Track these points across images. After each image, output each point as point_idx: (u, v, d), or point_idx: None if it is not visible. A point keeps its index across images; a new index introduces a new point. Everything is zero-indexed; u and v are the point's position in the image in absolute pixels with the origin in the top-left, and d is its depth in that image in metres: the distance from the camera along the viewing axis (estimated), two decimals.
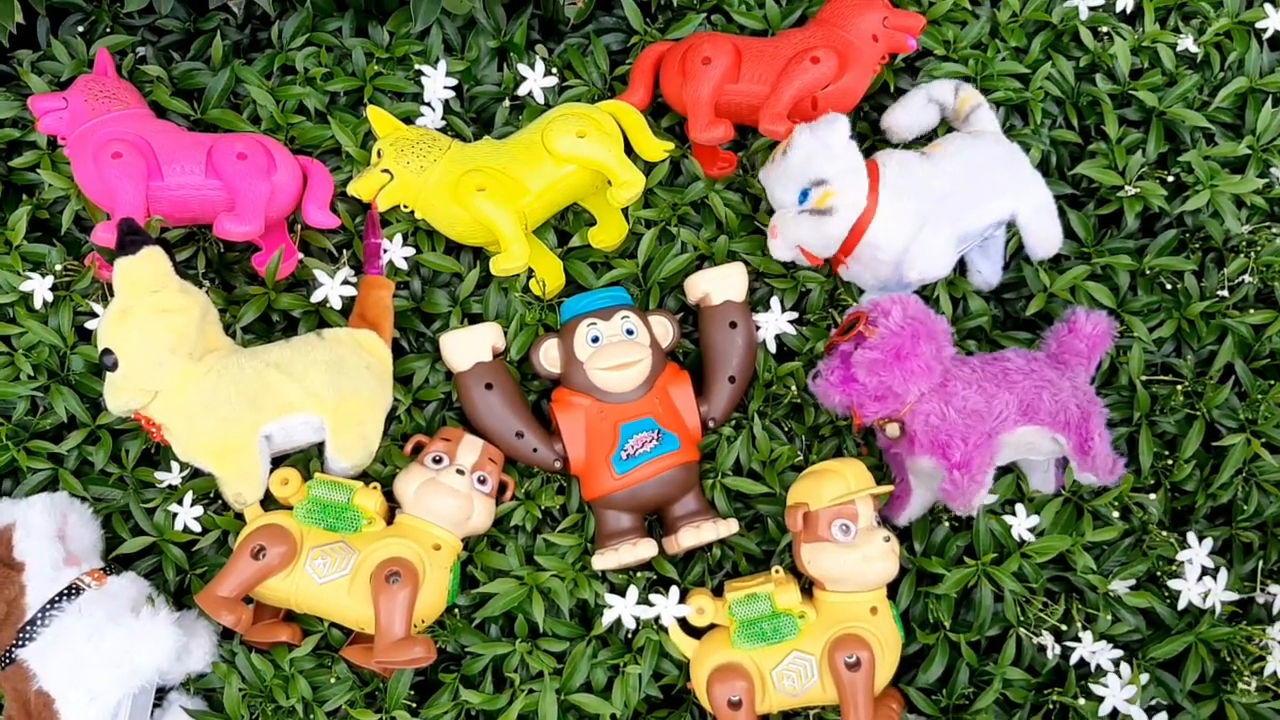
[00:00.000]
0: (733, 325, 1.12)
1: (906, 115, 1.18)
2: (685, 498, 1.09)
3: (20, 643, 0.95)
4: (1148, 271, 1.20)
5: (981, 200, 1.09)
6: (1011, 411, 1.04)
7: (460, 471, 1.03)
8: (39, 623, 0.96)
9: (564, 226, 1.21)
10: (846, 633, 1.00)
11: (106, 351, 1.00)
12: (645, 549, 1.06)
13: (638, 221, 1.19)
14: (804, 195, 1.09)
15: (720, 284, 1.13)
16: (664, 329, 1.13)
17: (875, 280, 1.12)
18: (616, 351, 1.08)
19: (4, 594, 0.95)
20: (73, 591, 0.97)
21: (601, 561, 1.06)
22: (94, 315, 1.13)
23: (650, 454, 1.06)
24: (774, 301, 1.16)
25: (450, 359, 1.10)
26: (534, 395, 1.16)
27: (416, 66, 1.24)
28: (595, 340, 1.09)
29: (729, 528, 1.08)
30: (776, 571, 1.05)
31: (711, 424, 1.12)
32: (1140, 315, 1.18)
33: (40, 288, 1.12)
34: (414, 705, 1.02)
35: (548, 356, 1.11)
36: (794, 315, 1.16)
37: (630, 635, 1.07)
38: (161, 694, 1.03)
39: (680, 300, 1.18)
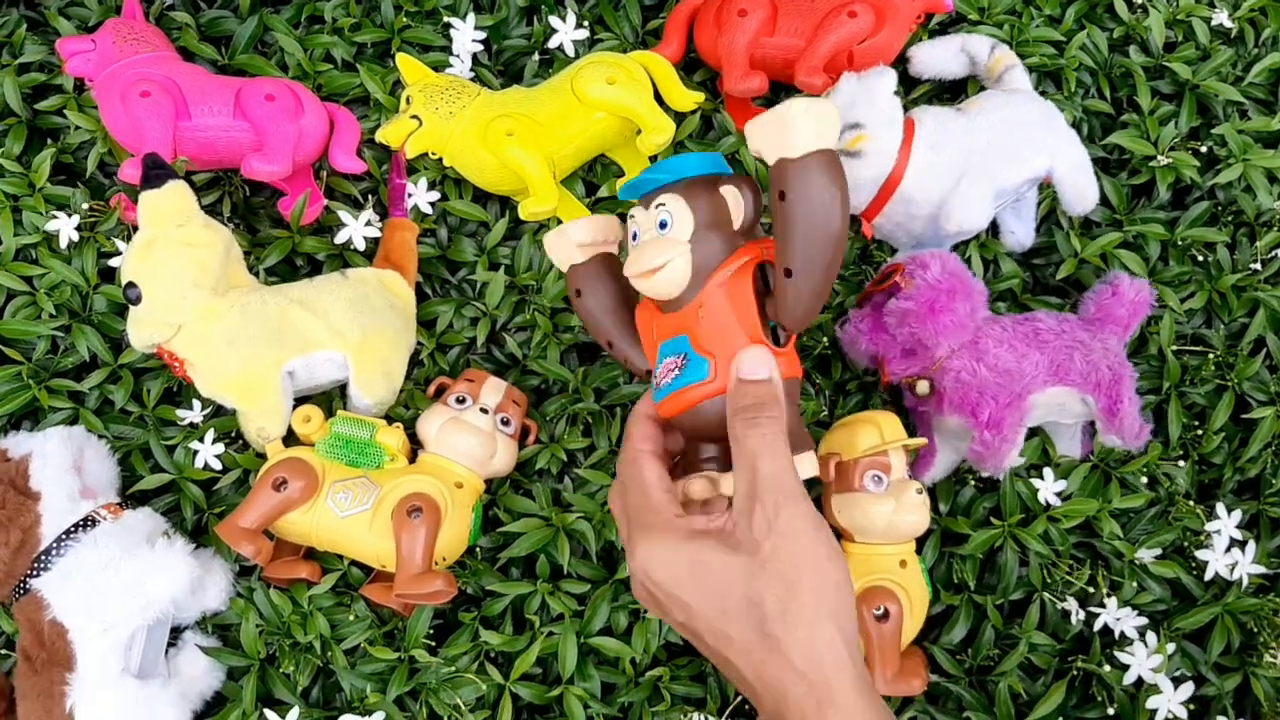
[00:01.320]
0: (781, 196, 0.74)
1: (934, 54, 1.18)
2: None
3: (35, 572, 0.94)
4: (1180, 242, 1.19)
5: (1019, 156, 1.07)
6: (1042, 371, 1.03)
7: (484, 410, 1.02)
8: (54, 553, 0.94)
9: (592, 178, 1.20)
10: (875, 584, 0.98)
11: (130, 285, 0.99)
12: (723, 484, 0.83)
13: None
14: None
15: (775, 136, 0.74)
16: (736, 201, 0.80)
17: (909, 237, 1.11)
18: (641, 255, 0.80)
19: (19, 522, 0.94)
20: (89, 523, 0.96)
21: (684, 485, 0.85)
22: (118, 255, 1.12)
23: (672, 385, 0.80)
24: None
25: (553, 259, 0.91)
26: None
27: (445, 19, 1.23)
28: (635, 238, 0.83)
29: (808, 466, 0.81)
30: None
31: (782, 334, 0.80)
32: (1171, 285, 1.17)
33: (66, 227, 1.12)
34: (433, 645, 1.01)
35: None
36: None
37: None
38: (177, 633, 1.02)
39: None
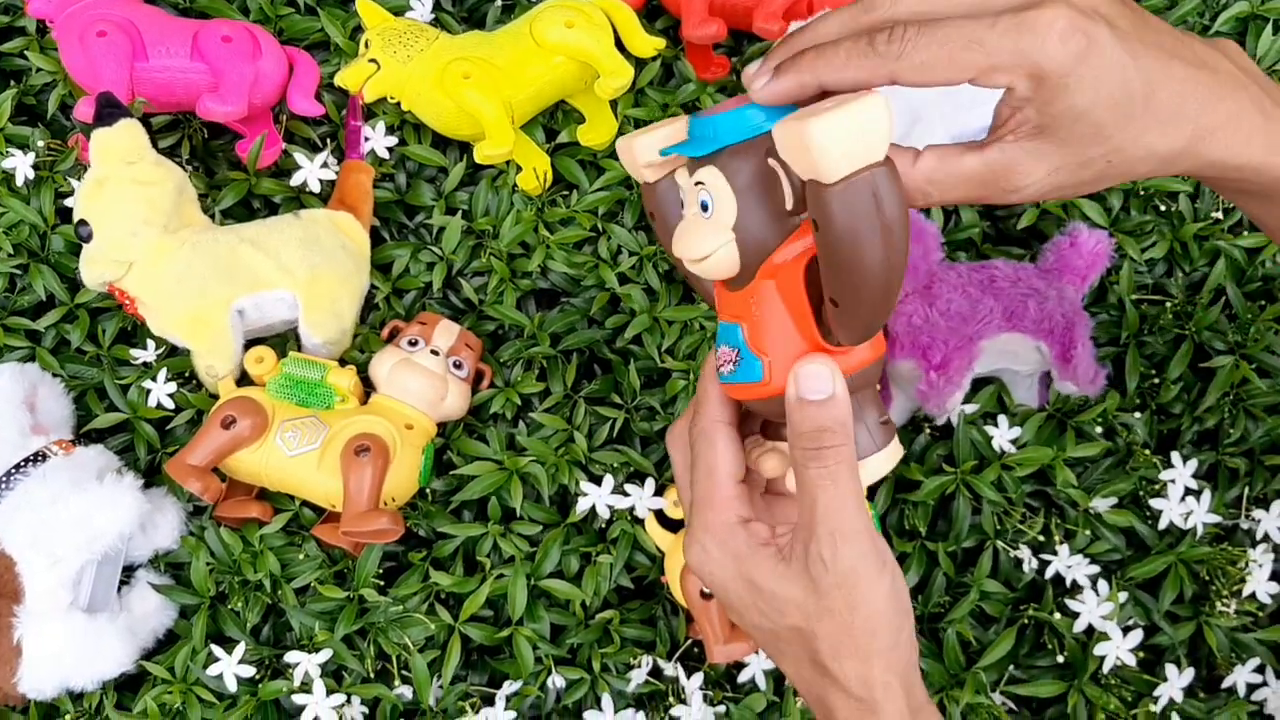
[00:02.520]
0: (815, 226, 0.62)
1: None
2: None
3: None
4: (1141, 192, 1.18)
5: (978, 100, 1.07)
6: (995, 317, 1.03)
7: (435, 353, 1.02)
8: (3, 486, 0.95)
9: (553, 125, 1.20)
10: None
11: (81, 222, 1.00)
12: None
13: (627, 120, 1.18)
14: None
15: (797, 154, 0.57)
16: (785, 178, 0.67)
17: None
18: (683, 239, 0.68)
19: None
20: (39, 458, 0.97)
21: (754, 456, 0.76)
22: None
23: (729, 378, 0.70)
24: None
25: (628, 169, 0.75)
26: None
27: None
28: (682, 206, 0.71)
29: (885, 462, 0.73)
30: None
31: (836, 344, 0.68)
32: (1133, 235, 1.17)
33: (22, 164, 1.12)
34: (383, 585, 1.01)
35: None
36: None
37: (605, 526, 1.06)
38: (129, 571, 1.03)
39: None
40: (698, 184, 0.66)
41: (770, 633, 0.69)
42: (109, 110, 1.01)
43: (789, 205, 0.63)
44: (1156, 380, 1.13)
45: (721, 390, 0.72)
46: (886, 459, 0.69)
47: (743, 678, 1.02)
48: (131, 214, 0.98)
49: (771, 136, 0.60)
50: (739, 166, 0.64)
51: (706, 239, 0.66)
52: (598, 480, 1.05)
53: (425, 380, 1.00)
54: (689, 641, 1.04)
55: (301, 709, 0.96)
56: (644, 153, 0.70)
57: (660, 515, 1.03)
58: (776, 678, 1.03)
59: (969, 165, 0.64)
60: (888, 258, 0.59)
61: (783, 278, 0.66)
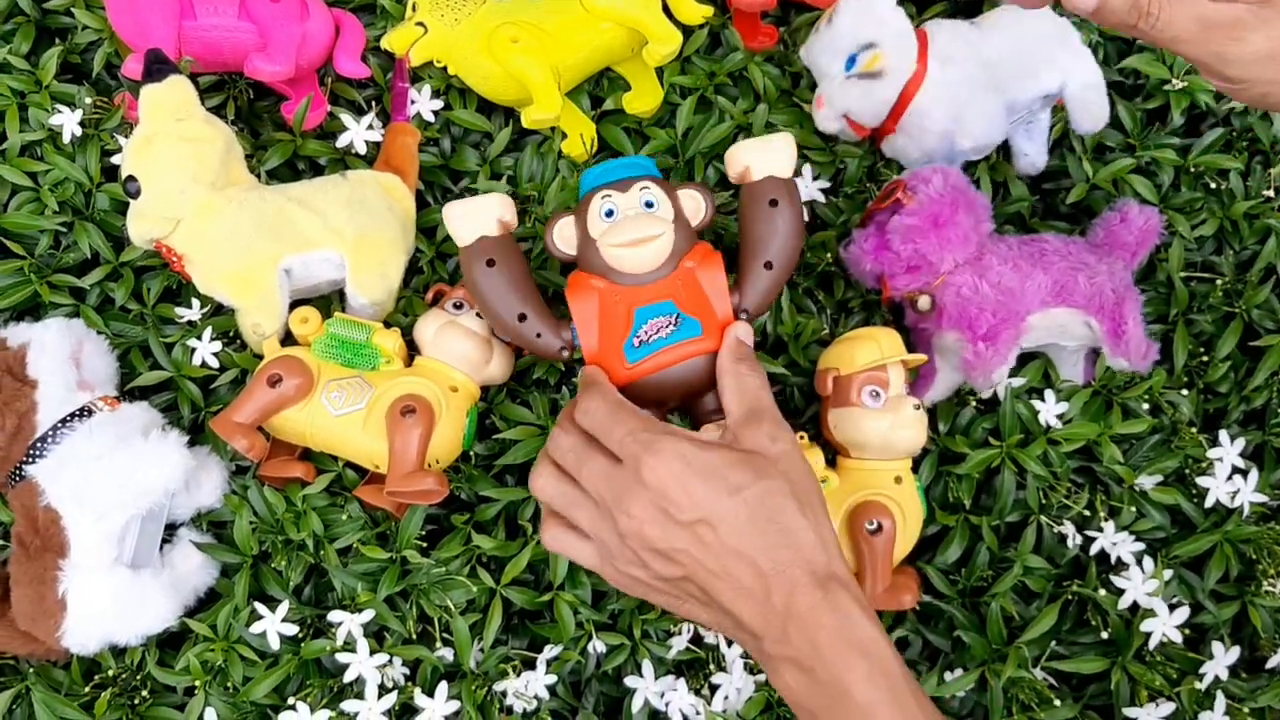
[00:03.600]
0: (773, 204, 0.95)
1: None
2: (713, 391, 0.94)
3: (30, 459, 0.95)
4: (1192, 169, 1.17)
5: (1031, 71, 1.06)
6: (1045, 291, 1.01)
7: (479, 316, 1.02)
8: (49, 440, 0.95)
9: (598, 92, 1.19)
10: (869, 499, 0.98)
11: (130, 178, 0.99)
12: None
13: (673, 89, 1.17)
14: (850, 62, 1.07)
15: (763, 156, 0.97)
16: (695, 203, 0.97)
17: (920, 153, 1.10)
18: (631, 226, 0.93)
19: (15, 408, 0.94)
20: (84, 413, 0.97)
21: None
22: (121, 153, 1.12)
23: (666, 340, 0.92)
24: (805, 169, 1.13)
25: (453, 230, 0.98)
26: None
27: None
28: (610, 214, 0.95)
29: None
30: (802, 438, 1.03)
31: (744, 315, 0.95)
32: (1183, 212, 1.15)
33: (69, 122, 1.11)
34: (425, 546, 1.01)
35: (562, 236, 0.97)
36: (826, 184, 1.14)
37: None
38: (171, 529, 1.03)
39: (720, 171, 1.15)
40: (643, 189, 0.96)
41: (735, 523, 0.78)
42: (158, 66, 1.00)
43: (694, 223, 0.97)
44: (1205, 358, 1.12)
45: (608, 383, 0.91)
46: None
47: None
48: (180, 170, 0.98)
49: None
50: (665, 186, 0.98)
51: (656, 224, 0.94)
52: None
53: (471, 343, 1.00)
54: None
55: (343, 668, 0.97)
56: (499, 209, 0.98)
57: None
58: None
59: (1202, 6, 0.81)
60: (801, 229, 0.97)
61: (713, 266, 0.95)
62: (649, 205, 0.95)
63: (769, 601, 0.77)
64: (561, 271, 1.11)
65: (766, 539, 0.77)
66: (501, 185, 1.13)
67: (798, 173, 1.13)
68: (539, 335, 0.96)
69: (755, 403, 0.86)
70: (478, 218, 0.97)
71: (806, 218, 1.10)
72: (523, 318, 0.95)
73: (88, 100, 1.13)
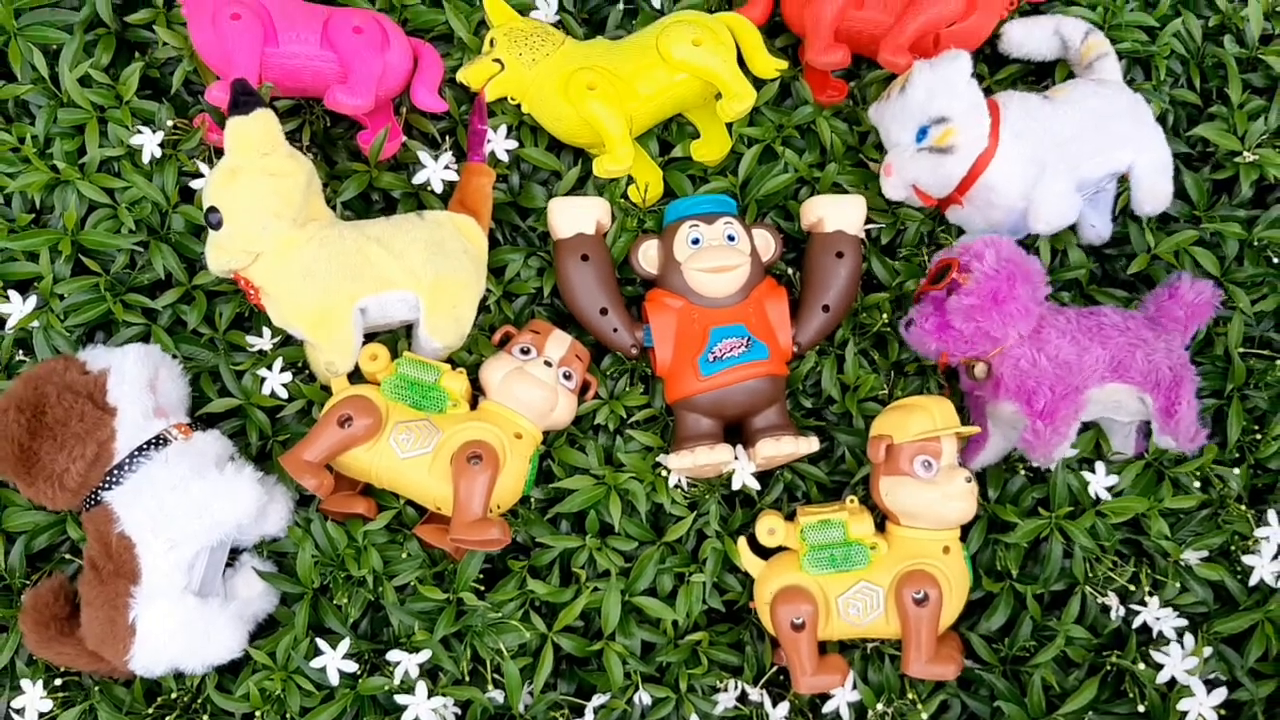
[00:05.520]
0: (839, 255, 1.09)
1: (1026, 34, 1.17)
2: (768, 410, 1.07)
3: (107, 485, 0.97)
4: (1256, 242, 1.17)
5: (1102, 149, 1.07)
6: (1102, 366, 1.03)
7: (548, 364, 1.03)
8: (126, 468, 0.97)
9: (667, 137, 1.20)
10: (917, 568, 1.00)
11: (212, 209, 1.00)
12: (722, 453, 1.04)
13: (740, 139, 1.18)
14: (922, 133, 1.07)
15: (837, 212, 1.11)
16: (765, 242, 1.11)
17: (986, 224, 1.10)
18: (716, 254, 1.07)
19: (96, 435, 0.96)
20: (160, 441, 0.99)
21: (676, 461, 1.04)
22: (199, 176, 1.14)
23: (738, 359, 1.05)
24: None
25: (555, 224, 1.09)
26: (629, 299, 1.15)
27: None
28: (696, 242, 1.08)
29: (809, 445, 1.06)
30: (851, 501, 1.05)
31: (797, 349, 1.09)
32: (1244, 286, 1.16)
33: (150, 142, 1.13)
34: (481, 589, 1.03)
35: (646, 256, 1.10)
36: (875, 226, 1.17)
37: (696, 544, 1.08)
38: (234, 555, 1.05)
39: (776, 222, 1.17)
40: (726, 223, 1.09)
41: None
42: (244, 99, 1.01)
43: (764, 259, 1.10)
44: (1257, 435, 1.13)
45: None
46: (802, 444, 1.07)
47: (827, 708, 1.04)
48: (264, 206, 0.99)
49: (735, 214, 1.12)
50: (744, 225, 1.10)
51: (734, 255, 1.07)
52: (694, 504, 1.07)
53: (538, 391, 1.01)
54: (774, 668, 1.06)
55: (398, 707, 0.99)
56: (599, 211, 1.10)
57: (752, 541, 1.05)
58: (858, 710, 1.04)
59: None
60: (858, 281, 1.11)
61: (780, 299, 1.09)
62: (730, 239, 1.08)
63: None
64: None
65: None
66: None
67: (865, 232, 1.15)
68: (615, 330, 1.08)
69: None
70: (580, 216, 1.10)
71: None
72: (604, 311, 1.08)
73: (169, 123, 1.14)
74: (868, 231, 1.16)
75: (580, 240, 1.08)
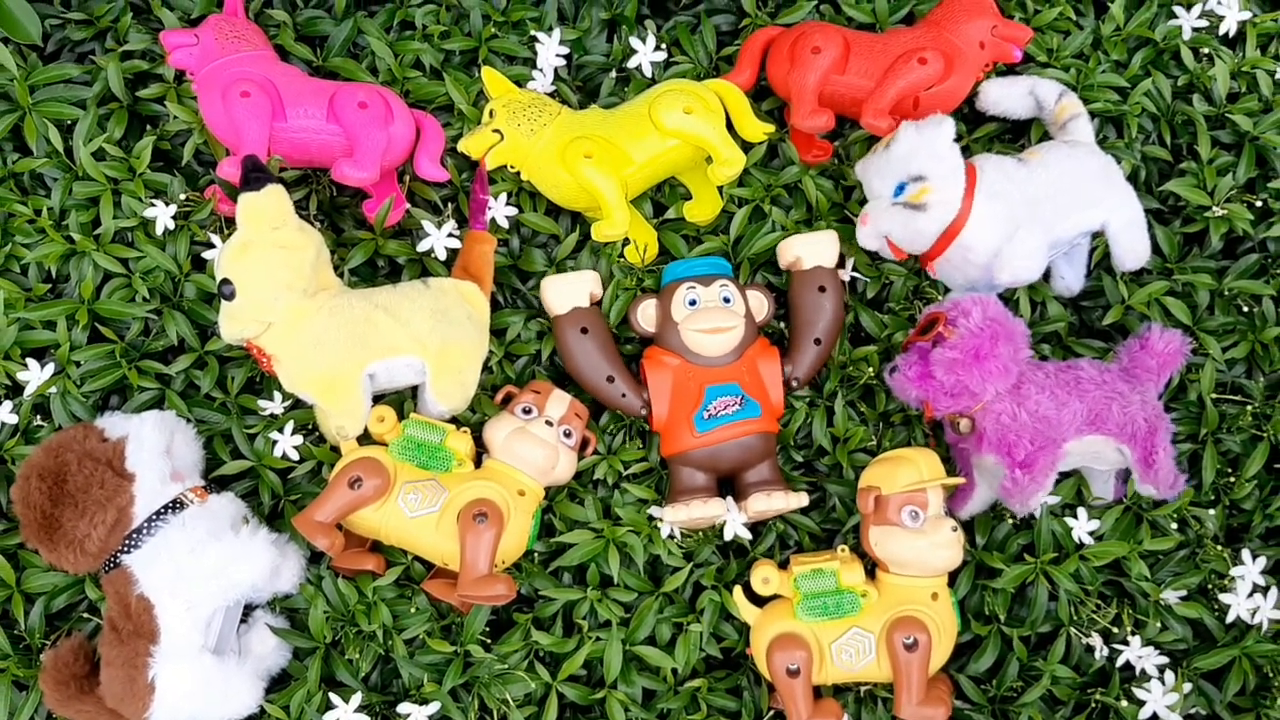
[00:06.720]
0: (821, 290, 1.15)
1: (1002, 93, 1.22)
2: (760, 465, 1.12)
3: (126, 549, 1.01)
4: (1226, 292, 1.22)
5: (1075, 209, 1.11)
6: (1080, 420, 1.07)
7: (549, 423, 1.08)
8: (145, 532, 1.01)
9: (660, 198, 1.25)
10: (906, 615, 1.03)
11: (225, 281, 1.05)
12: (715, 507, 1.09)
13: (731, 199, 1.23)
14: (899, 189, 1.12)
15: (812, 249, 1.16)
16: (759, 303, 1.16)
17: (964, 280, 1.15)
18: (712, 316, 1.11)
19: (116, 501, 1.00)
20: (177, 505, 1.03)
21: (671, 514, 1.09)
22: (210, 245, 1.18)
23: (731, 417, 1.10)
24: (848, 261, 1.22)
25: (550, 302, 1.14)
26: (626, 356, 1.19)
27: (531, 32, 1.27)
28: (693, 303, 1.12)
29: (799, 500, 1.11)
30: (842, 550, 1.09)
31: (795, 384, 1.15)
32: (1215, 335, 1.20)
33: (163, 215, 1.17)
34: (488, 641, 1.07)
35: (645, 315, 1.15)
36: (862, 280, 1.22)
37: (693, 595, 1.12)
38: (248, 611, 1.09)
39: (767, 278, 1.21)
40: (722, 285, 1.14)
41: None
42: (255, 175, 1.05)
43: (758, 319, 1.15)
44: (1231, 478, 1.17)
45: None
46: (793, 499, 1.11)
47: None
48: (275, 279, 1.04)
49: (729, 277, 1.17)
50: (739, 287, 1.15)
51: (730, 316, 1.12)
52: (689, 555, 1.11)
53: (540, 450, 1.06)
54: (771, 713, 1.09)
55: None
56: (593, 284, 1.16)
57: (747, 589, 1.09)
58: None
59: None
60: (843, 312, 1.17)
61: (771, 357, 1.14)
62: (726, 300, 1.13)
63: None
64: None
65: None
66: None
67: (841, 264, 1.20)
68: (624, 395, 1.13)
69: None
70: (573, 291, 1.15)
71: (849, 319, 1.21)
72: (610, 379, 1.13)
73: (181, 195, 1.19)
74: (852, 282, 1.21)
75: (577, 314, 1.13)
